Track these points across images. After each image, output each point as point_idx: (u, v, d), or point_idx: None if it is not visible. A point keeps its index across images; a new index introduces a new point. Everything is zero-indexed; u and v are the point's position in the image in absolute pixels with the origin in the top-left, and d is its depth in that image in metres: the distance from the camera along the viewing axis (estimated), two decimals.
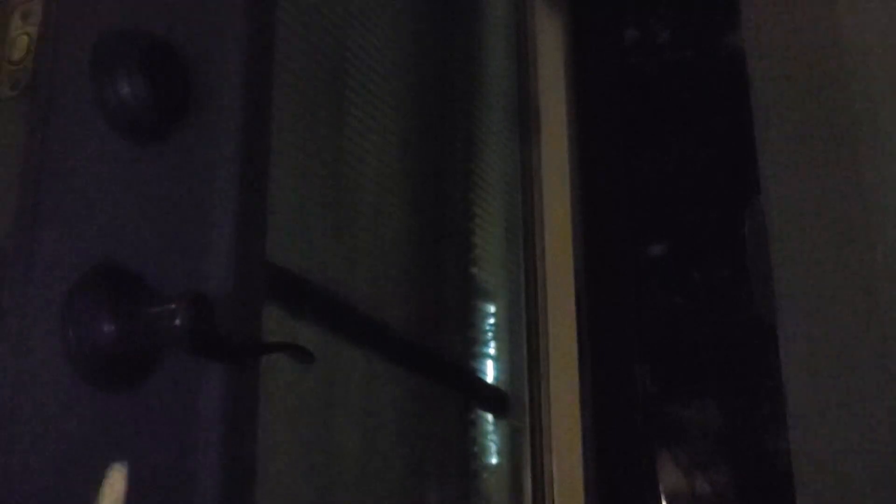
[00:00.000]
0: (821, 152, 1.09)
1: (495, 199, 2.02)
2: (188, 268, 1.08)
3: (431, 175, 1.85)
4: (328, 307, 1.48)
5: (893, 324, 1.01)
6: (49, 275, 0.92)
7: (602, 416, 1.94)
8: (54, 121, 0.95)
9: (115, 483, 0.93)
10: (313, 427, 1.43)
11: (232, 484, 1.09)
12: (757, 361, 1.92)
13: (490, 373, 1.89)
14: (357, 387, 1.54)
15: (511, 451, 1.89)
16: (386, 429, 1.58)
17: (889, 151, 1.05)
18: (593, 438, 1.92)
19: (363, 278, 1.57)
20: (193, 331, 0.93)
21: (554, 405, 1.91)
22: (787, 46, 1.14)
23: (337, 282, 1.51)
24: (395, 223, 1.70)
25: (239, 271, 1.13)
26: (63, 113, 0.96)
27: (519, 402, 1.91)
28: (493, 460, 1.86)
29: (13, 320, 0.89)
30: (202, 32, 1.14)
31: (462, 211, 1.92)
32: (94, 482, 0.94)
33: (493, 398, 1.88)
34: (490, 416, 1.87)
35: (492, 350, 1.91)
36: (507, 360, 1.93)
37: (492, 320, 1.93)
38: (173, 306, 0.93)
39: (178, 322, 0.92)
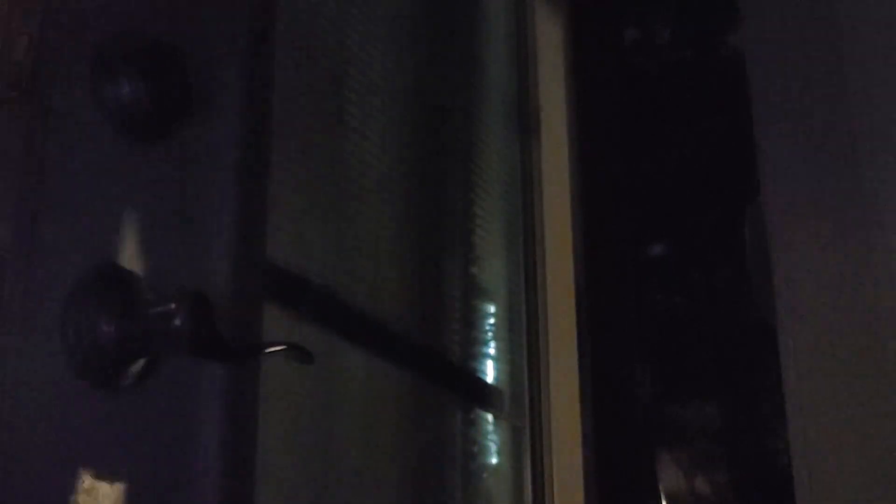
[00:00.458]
0: (820, 152, 1.09)
1: (495, 199, 2.02)
2: (188, 268, 1.08)
3: (431, 175, 1.85)
4: (328, 307, 1.48)
5: (892, 323, 1.01)
6: (49, 275, 0.92)
7: (602, 416, 1.94)
8: (54, 121, 0.95)
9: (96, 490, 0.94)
10: (313, 427, 1.43)
11: (232, 484, 1.09)
12: (757, 361, 1.92)
13: (490, 373, 1.89)
14: (357, 387, 1.54)
15: (511, 451, 1.89)
16: (386, 429, 1.58)
17: (888, 151, 1.05)
18: (593, 438, 1.92)
19: (363, 278, 1.57)
20: (193, 331, 0.93)
21: (554, 405, 1.91)
22: (787, 46, 1.14)
23: (337, 282, 1.51)
24: (394, 223, 1.70)
25: (239, 271, 1.13)
26: (63, 113, 0.96)
27: (519, 402, 1.91)
28: (493, 460, 1.86)
29: (13, 320, 0.89)
30: (202, 33, 1.14)
31: (462, 211, 1.92)
32: (94, 482, 0.94)
33: (493, 398, 1.88)
34: (490, 416, 1.87)
35: (492, 350, 1.91)
36: (507, 360, 1.93)
37: (492, 320, 1.93)
38: (173, 306, 0.93)
39: (177, 322, 0.92)
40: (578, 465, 1.88)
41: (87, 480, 0.93)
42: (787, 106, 1.12)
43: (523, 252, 2.01)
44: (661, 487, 2.05)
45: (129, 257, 1.00)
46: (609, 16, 2.28)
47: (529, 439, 1.89)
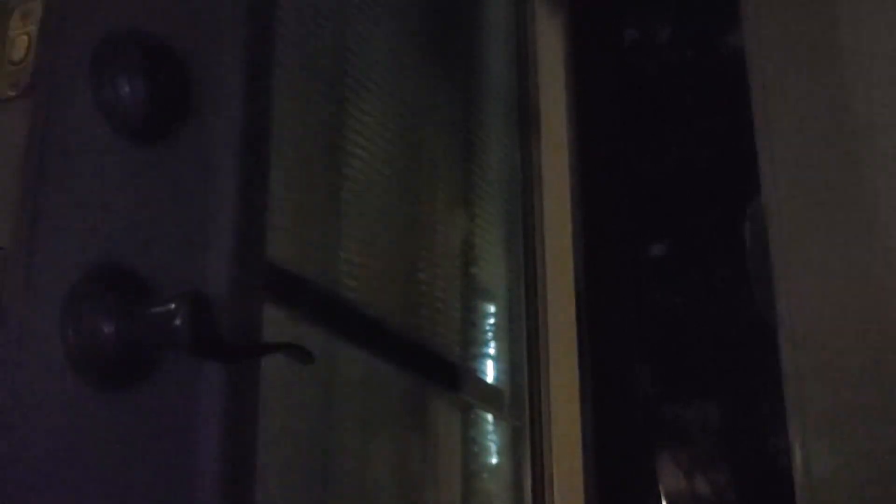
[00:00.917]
0: (821, 152, 1.09)
1: (495, 199, 2.02)
2: (188, 268, 1.08)
3: (432, 175, 1.85)
4: (328, 307, 1.48)
5: (893, 323, 1.01)
6: (49, 275, 0.92)
7: (602, 416, 1.94)
8: (54, 121, 0.95)
9: None
10: (313, 427, 1.43)
11: (232, 484, 1.09)
12: (757, 361, 1.92)
13: (490, 373, 1.89)
14: (356, 386, 1.54)
15: (511, 451, 1.89)
16: (385, 429, 1.58)
17: (888, 151, 1.05)
18: (593, 438, 1.92)
19: (363, 278, 1.57)
20: (193, 331, 0.92)
21: (554, 405, 1.91)
22: (787, 46, 1.14)
23: (337, 282, 1.51)
24: (394, 223, 1.70)
25: (239, 271, 1.13)
26: (63, 113, 0.96)
27: (519, 402, 1.91)
28: (493, 460, 1.86)
29: (13, 320, 0.89)
30: (202, 33, 1.14)
31: (462, 211, 1.92)
32: (94, 482, 0.94)
33: (493, 398, 1.88)
34: (490, 416, 1.87)
35: (492, 350, 1.91)
36: (507, 360, 1.93)
37: (492, 320, 1.93)
38: (173, 306, 0.93)
39: (177, 322, 0.92)
40: (578, 465, 1.88)
41: (87, 480, 0.93)
42: (787, 106, 1.12)
43: (523, 252, 2.01)
44: (661, 487, 2.05)
45: (129, 257, 1.00)
46: (609, 16, 2.28)
47: (529, 439, 1.89)
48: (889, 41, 1.08)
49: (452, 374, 1.78)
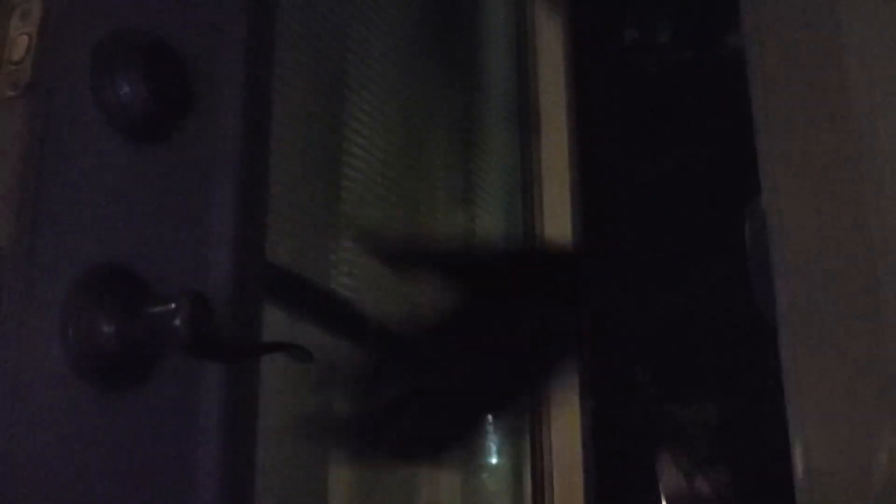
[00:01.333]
0: (821, 152, 1.09)
1: (495, 198, 2.02)
2: (188, 268, 1.08)
3: (431, 174, 1.85)
4: (328, 307, 1.48)
5: (894, 324, 1.01)
6: (49, 275, 0.92)
7: (602, 416, 1.94)
8: (54, 121, 0.95)
9: None
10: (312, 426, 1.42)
11: (232, 484, 1.09)
12: (757, 361, 1.92)
13: None
14: None
15: (511, 451, 1.89)
16: None
17: (889, 151, 1.05)
18: (593, 438, 1.91)
19: (363, 278, 1.57)
20: (193, 331, 0.93)
21: (554, 405, 1.91)
22: (787, 46, 1.14)
23: (337, 282, 1.51)
24: (395, 223, 1.70)
25: (239, 271, 1.13)
26: (63, 113, 0.96)
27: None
28: (493, 460, 1.86)
29: (13, 320, 0.89)
30: (202, 32, 1.14)
31: (462, 210, 1.92)
32: (94, 482, 0.94)
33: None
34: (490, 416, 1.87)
35: None
36: None
37: None
38: (173, 306, 0.93)
39: (177, 322, 0.92)
40: (578, 465, 1.88)
41: (87, 480, 0.92)
42: (786, 106, 1.12)
43: None
44: (661, 487, 2.05)
45: (129, 257, 1.00)
46: (609, 16, 2.28)
47: (529, 439, 1.89)
48: (889, 41, 1.08)
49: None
